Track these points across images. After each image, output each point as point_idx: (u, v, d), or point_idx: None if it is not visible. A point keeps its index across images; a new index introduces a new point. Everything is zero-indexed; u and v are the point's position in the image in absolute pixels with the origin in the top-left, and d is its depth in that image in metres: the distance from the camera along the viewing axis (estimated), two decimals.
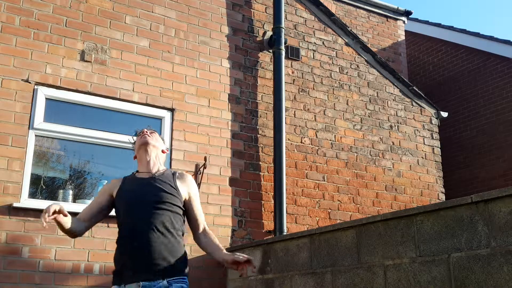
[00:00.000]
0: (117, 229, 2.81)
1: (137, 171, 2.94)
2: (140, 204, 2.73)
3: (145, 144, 2.90)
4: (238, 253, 2.69)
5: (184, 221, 2.87)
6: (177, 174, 2.93)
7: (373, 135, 6.58)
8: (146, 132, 2.96)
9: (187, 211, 2.88)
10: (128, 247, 2.67)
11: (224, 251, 2.86)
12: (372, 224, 3.66)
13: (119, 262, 2.72)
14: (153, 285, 2.59)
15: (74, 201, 4.86)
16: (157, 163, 2.93)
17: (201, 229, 2.91)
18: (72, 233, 2.78)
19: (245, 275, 2.64)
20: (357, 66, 6.79)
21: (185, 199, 2.86)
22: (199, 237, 2.91)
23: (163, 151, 3.02)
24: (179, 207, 2.80)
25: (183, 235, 2.82)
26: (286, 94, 5.96)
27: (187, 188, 2.88)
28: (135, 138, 3.02)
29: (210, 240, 2.89)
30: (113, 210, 2.92)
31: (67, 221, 2.65)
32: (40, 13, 4.99)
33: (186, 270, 2.79)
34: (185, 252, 2.80)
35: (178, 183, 2.86)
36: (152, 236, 2.64)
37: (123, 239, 2.73)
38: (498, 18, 25.54)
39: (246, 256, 2.68)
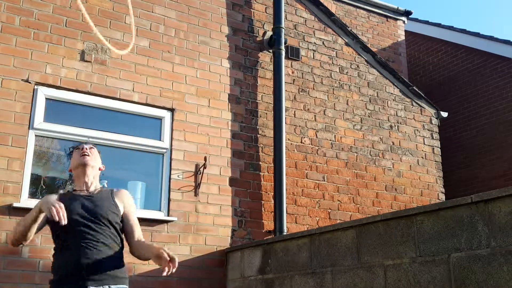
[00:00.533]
0: (55, 242, 2.80)
1: (74, 189, 2.95)
2: (81, 222, 2.73)
3: (83, 165, 2.91)
4: (165, 249, 2.64)
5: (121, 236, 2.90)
6: (114, 190, 2.98)
7: (373, 135, 6.58)
8: (85, 150, 2.94)
9: (124, 225, 2.90)
10: (73, 261, 2.67)
11: (155, 245, 2.86)
12: (372, 224, 3.66)
13: (60, 271, 2.72)
14: None
15: None
16: (94, 182, 2.96)
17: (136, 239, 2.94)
18: (27, 239, 2.83)
19: (166, 275, 2.62)
20: (357, 66, 6.79)
21: (123, 214, 2.90)
22: (133, 245, 2.89)
23: (100, 169, 3.03)
24: (118, 223, 2.84)
25: (122, 248, 2.86)
26: (286, 94, 5.96)
27: (123, 204, 2.93)
28: (71, 149, 3.02)
29: (141, 242, 2.90)
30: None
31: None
32: (40, 13, 4.99)
33: (126, 277, 2.83)
34: (123, 263, 2.84)
35: (116, 199, 2.91)
36: (95, 252, 2.69)
37: (64, 256, 2.72)
38: (498, 18, 25.55)
39: (171, 254, 2.61)
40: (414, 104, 7.05)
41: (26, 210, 4.44)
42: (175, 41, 5.59)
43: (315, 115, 6.25)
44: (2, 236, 4.37)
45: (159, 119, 5.35)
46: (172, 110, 5.38)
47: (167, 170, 5.20)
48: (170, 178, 5.18)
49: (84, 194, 2.87)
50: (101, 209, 2.80)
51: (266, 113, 5.93)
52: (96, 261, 2.67)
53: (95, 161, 2.96)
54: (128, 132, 5.18)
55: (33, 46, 4.88)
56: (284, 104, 5.84)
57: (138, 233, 2.92)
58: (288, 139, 5.94)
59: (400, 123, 6.84)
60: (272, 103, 5.89)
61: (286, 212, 5.52)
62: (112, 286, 2.68)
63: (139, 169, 5.36)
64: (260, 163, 5.73)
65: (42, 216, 2.71)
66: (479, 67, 9.13)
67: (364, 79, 6.78)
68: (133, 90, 5.23)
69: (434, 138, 7.05)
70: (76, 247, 2.68)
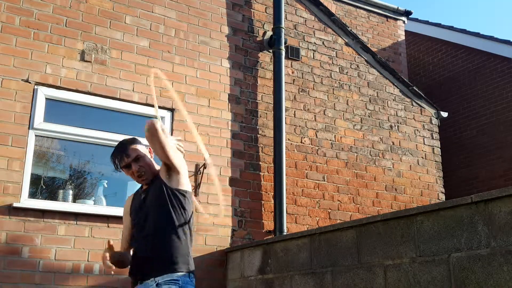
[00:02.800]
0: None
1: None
2: (141, 228, 2.84)
3: (138, 181, 3.00)
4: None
5: (181, 213, 2.84)
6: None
7: (373, 135, 6.58)
8: (135, 171, 2.93)
9: None
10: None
11: None
12: (372, 224, 3.66)
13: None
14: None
15: (74, 201, 4.86)
16: (150, 173, 2.96)
17: None
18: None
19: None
20: (357, 66, 6.79)
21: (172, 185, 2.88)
22: None
23: (150, 154, 3.04)
24: (172, 203, 2.82)
25: (179, 228, 2.81)
26: (286, 94, 5.96)
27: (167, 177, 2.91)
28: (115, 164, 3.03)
29: None
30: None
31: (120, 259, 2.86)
32: (40, 13, 4.99)
33: (178, 267, 2.73)
34: (175, 247, 2.77)
35: (164, 180, 2.88)
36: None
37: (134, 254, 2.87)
38: (498, 18, 25.55)
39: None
40: (414, 104, 7.05)
41: (26, 210, 4.48)
42: (175, 41, 5.59)
43: (315, 115, 6.25)
44: (2, 236, 4.36)
45: None
46: (172, 110, 5.38)
47: (135, 163, 5.18)
48: None
49: (143, 194, 2.96)
50: (153, 208, 2.88)
51: (266, 113, 5.93)
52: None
53: (147, 165, 2.95)
54: (128, 132, 5.16)
55: (33, 46, 4.88)
56: (284, 104, 5.84)
57: None
58: (288, 139, 5.93)
59: (400, 123, 6.84)
60: (272, 103, 5.89)
61: (286, 212, 5.52)
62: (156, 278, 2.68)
63: None
64: (260, 163, 5.73)
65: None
66: (479, 67, 9.13)
67: (364, 79, 6.78)
68: (133, 90, 5.23)
69: (434, 138, 7.05)
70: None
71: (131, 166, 2.90)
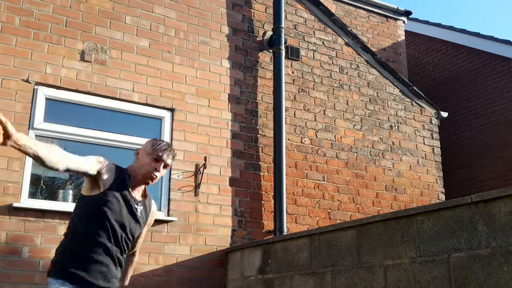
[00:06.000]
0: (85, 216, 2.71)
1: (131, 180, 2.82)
2: (122, 226, 2.74)
3: (148, 181, 2.85)
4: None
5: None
6: (151, 205, 2.98)
7: (373, 135, 6.58)
8: (160, 169, 2.84)
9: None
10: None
11: (128, 277, 3.08)
12: (372, 224, 3.66)
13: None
14: None
15: (74, 201, 4.85)
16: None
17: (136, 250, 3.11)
18: (38, 159, 2.35)
19: None
20: (357, 66, 6.79)
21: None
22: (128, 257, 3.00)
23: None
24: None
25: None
26: (286, 94, 5.96)
27: (149, 219, 2.98)
28: (152, 143, 2.88)
29: (129, 261, 3.05)
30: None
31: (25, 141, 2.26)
32: (40, 13, 4.99)
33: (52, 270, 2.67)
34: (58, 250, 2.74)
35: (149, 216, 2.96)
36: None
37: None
38: (498, 18, 25.54)
39: None
40: (414, 104, 7.05)
41: (26, 210, 4.48)
42: (175, 41, 5.59)
43: (315, 115, 6.25)
44: (2, 236, 4.37)
45: (159, 119, 5.35)
46: (172, 110, 5.38)
47: (168, 170, 5.20)
48: (170, 178, 5.18)
49: (137, 200, 2.83)
50: (138, 228, 2.85)
51: (266, 113, 5.93)
52: None
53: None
54: (128, 132, 5.17)
55: (33, 46, 4.88)
56: (284, 104, 5.84)
57: (138, 246, 3.08)
58: (288, 139, 5.93)
59: (400, 123, 6.84)
60: (272, 103, 5.89)
61: (286, 212, 5.52)
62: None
63: None
64: (260, 163, 5.73)
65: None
66: (479, 67, 9.13)
67: (364, 79, 6.78)
68: (133, 90, 5.23)
69: (434, 138, 7.05)
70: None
71: (164, 168, 2.88)
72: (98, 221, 2.65)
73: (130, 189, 2.79)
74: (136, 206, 2.79)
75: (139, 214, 2.80)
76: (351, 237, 3.82)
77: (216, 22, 5.91)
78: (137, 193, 2.84)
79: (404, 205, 6.41)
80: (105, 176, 2.69)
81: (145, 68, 5.34)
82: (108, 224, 2.66)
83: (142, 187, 2.88)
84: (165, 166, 2.87)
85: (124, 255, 2.79)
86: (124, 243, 2.74)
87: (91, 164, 2.64)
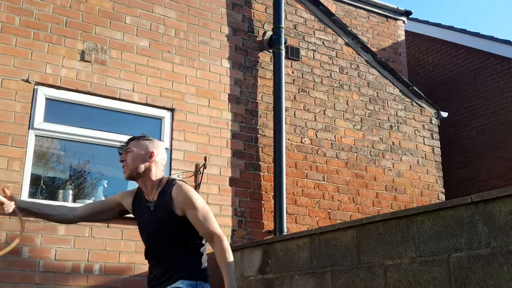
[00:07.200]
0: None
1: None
2: (149, 234, 2.81)
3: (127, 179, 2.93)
4: None
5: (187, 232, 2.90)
6: (172, 189, 2.72)
7: (373, 135, 6.58)
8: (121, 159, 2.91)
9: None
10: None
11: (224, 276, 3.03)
12: (372, 224, 3.66)
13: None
14: None
15: (74, 201, 4.86)
16: (156, 183, 2.79)
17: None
18: (50, 218, 2.95)
19: None
20: (357, 66, 6.79)
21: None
22: None
23: (151, 157, 2.87)
24: (178, 225, 2.80)
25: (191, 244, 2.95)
26: (286, 94, 5.96)
27: (177, 202, 2.73)
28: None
29: None
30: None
31: (29, 206, 2.89)
32: (40, 13, 4.99)
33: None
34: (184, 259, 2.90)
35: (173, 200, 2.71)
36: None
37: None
38: (498, 18, 25.55)
39: None
40: (414, 104, 7.05)
41: (26, 210, 4.46)
42: (175, 41, 5.59)
43: (315, 115, 6.25)
44: (2, 236, 4.37)
45: (159, 119, 5.34)
46: (172, 110, 5.38)
47: (167, 170, 5.20)
48: None
49: (149, 202, 2.79)
50: (161, 225, 2.79)
51: (266, 113, 5.93)
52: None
53: (134, 163, 2.81)
54: (128, 132, 5.15)
55: (33, 46, 4.88)
56: (284, 104, 5.84)
57: (204, 231, 3.08)
58: (288, 139, 5.94)
59: (400, 123, 6.84)
60: (272, 103, 5.89)
61: (286, 212, 5.52)
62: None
63: None
64: (260, 163, 5.73)
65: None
66: (479, 67, 9.13)
67: (364, 79, 6.78)
68: (133, 90, 5.23)
69: (434, 138, 7.05)
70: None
71: (121, 154, 2.93)
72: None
73: (142, 195, 2.83)
74: (148, 204, 2.77)
75: (152, 209, 2.75)
76: (351, 237, 3.82)
77: (216, 22, 5.91)
78: (149, 195, 2.79)
79: (404, 205, 6.41)
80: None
81: (145, 68, 5.34)
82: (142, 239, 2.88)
83: (153, 187, 2.79)
84: (119, 153, 2.97)
85: (172, 253, 2.82)
86: (159, 244, 2.78)
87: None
